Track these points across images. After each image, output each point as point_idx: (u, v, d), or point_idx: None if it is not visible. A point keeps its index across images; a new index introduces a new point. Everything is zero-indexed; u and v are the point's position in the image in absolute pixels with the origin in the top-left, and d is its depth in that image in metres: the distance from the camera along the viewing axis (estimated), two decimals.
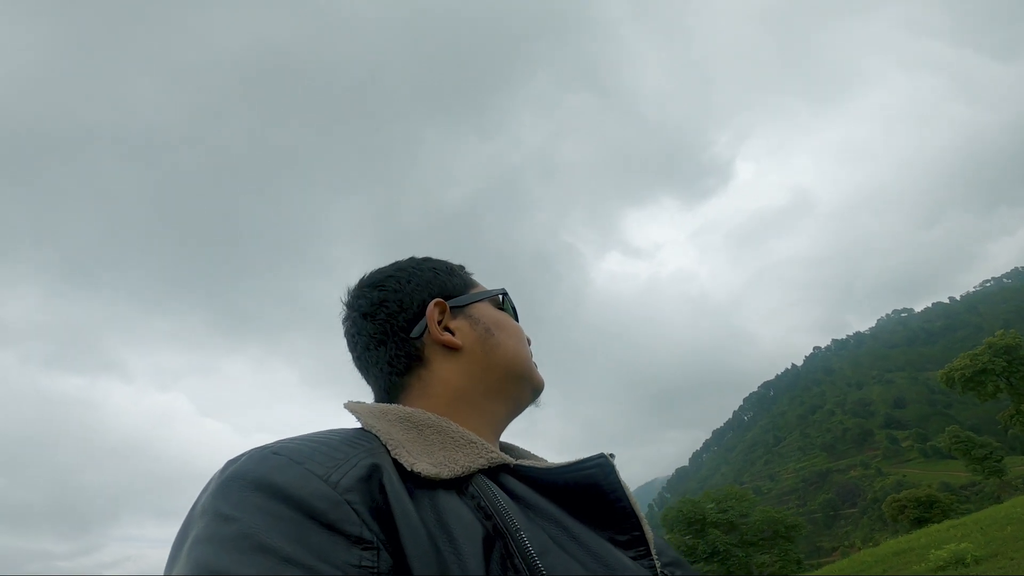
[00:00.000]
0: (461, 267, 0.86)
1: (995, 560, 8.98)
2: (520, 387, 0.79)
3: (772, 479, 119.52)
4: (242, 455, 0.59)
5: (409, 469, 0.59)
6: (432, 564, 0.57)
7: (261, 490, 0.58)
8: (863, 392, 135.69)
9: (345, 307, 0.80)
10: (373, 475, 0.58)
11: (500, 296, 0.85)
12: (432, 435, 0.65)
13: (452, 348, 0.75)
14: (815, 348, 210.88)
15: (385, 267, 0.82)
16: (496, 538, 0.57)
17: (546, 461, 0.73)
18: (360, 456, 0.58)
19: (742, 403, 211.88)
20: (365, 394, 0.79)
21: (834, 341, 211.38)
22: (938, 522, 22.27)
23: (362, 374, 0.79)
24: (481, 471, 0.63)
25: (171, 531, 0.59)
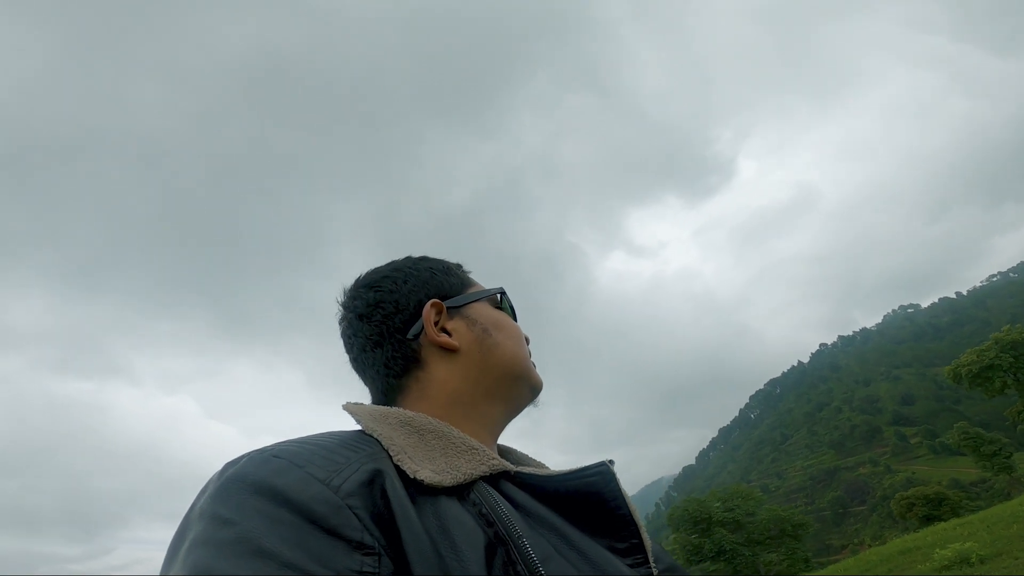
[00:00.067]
0: (459, 266, 0.84)
1: (1000, 560, 8.90)
2: (518, 388, 0.78)
3: (780, 477, 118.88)
4: (241, 457, 0.58)
5: (412, 476, 0.58)
6: (434, 570, 0.57)
7: (261, 493, 0.58)
8: (870, 389, 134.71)
9: (341, 308, 0.79)
10: (375, 480, 0.57)
11: (498, 295, 0.83)
12: (434, 441, 0.64)
13: (449, 349, 0.74)
14: (821, 345, 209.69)
15: (381, 267, 0.80)
16: (498, 545, 0.57)
17: (546, 467, 0.73)
18: (362, 460, 0.58)
19: (748, 401, 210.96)
20: (369, 396, 0.79)
21: (840, 338, 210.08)
22: (947, 520, 22.09)
23: (359, 375, 0.78)
24: (482, 478, 0.62)
25: None
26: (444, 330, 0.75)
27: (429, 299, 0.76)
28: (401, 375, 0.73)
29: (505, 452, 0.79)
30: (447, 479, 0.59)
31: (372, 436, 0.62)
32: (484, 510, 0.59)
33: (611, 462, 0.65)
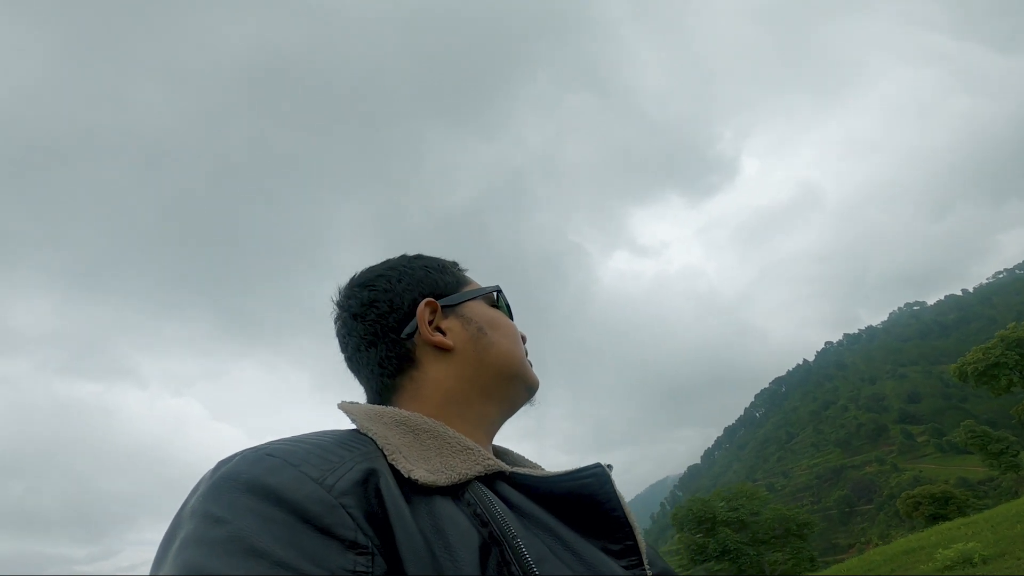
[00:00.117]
0: (455, 264, 0.83)
1: (1002, 560, 8.84)
2: (514, 387, 0.77)
3: (785, 476, 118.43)
4: (234, 456, 0.58)
5: (407, 476, 0.58)
6: (428, 570, 0.57)
7: (254, 492, 0.57)
8: (876, 387, 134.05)
9: (336, 307, 0.79)
10: (369, 479, 0.57)
11: (494, 293, 0.82)
12: (429, 440, 0.64)
13: (443, 349, 0.73)
14: (827, 343, 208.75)
15: (376, 265, 0.80)
16: (492, 545, 0.57)
17: (540, 468, 0.73)
18: (356, 460, 0.57)
19: (753, 400, 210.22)
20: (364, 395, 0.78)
21: (846, 336, 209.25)
22: (954, 519, 21.96)
23: (354, 375, 0.78)
24: (477, 478, 0.62)
25: None
26: (439, 329, 0.75)
27: (424, 298, 0.75)
28: (396, 374, 0.73)
29: (501, 453, 0.78)
30: (442, 479, 0.59)
31: (367, 435, 0.62)
32: (479, 510, 0.58)
33: (609, 466, 0.65)
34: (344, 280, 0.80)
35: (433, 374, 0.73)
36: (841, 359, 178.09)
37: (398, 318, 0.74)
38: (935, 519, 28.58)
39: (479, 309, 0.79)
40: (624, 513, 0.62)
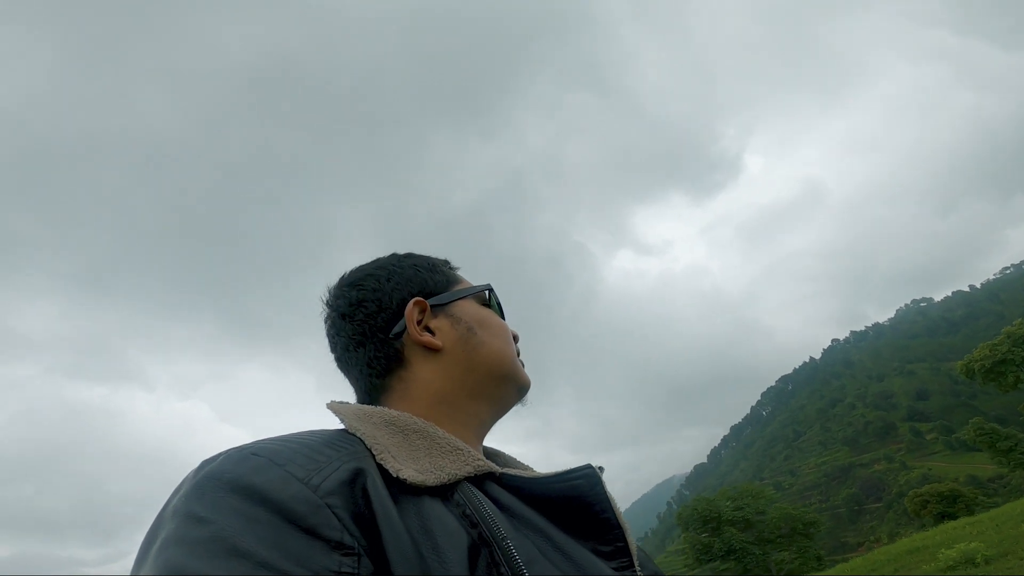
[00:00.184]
0: (446, 262, 0.82)
1: (1005, 560, 8.76)
2: (504, 387, 0.76)
3: (793, 474, 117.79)
4: (219, 455, 0.57)
5: (395, 475, 0.57)
6: (415, 571, 0.56)
7: (237, 492, 0.56)
8: (884, 384, 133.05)
9: (325, 306, 0.78)
10: (356, 479, 0.56)
11: (486, 292, 0.81)
12: (418, 440, 0.63)
13: (432, 349, 0.73)
14: (833, 340, 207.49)
15: (366, 265, 0.79)
16: (481, 546, 0.56)
17: (532, 469, 0.72)
18: (343, 459, 0.56)
19: (760, 398, 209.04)
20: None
21: (852, 333, 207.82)
22: (963, 516, 21.79)
23: (344, 374, 0.77)
24: (467, 479, 0.61)
25: None
26: (428, 329, 0.74)
27: (413, 297, 0.74)
28: (384, 374, 0.72)
29: (492, 454, 0.78)
30: (431, 479, 0.58)
31: (355, 435, 0.61)
32: (468, 511, 0.58)
33: (600, 468, 0.65)
34: (334, 280, 0.79)
35: (422, 374, 0.72)
36: (848, 356, 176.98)
37: (387, 318, 0.73)
38: (943, 517, 28.36)
39: (469, 308, 0.78)
40: (614, 514, 0.62)
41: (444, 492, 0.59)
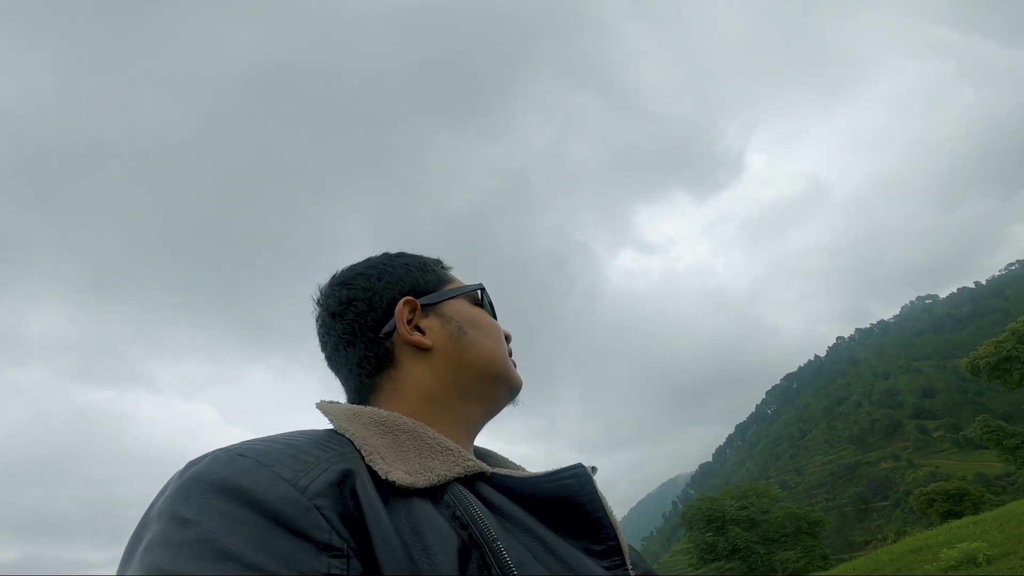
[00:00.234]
0: (438, 262, 0.82)
1: (1007, 560, 8.70)
2: (495, 388, 0.76)
3: (799, 473, 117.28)
4: (205, 456, 0.56)
5: (384, 477, 0.57)
6: (405, 573, 0.56)
7: (223, 493, 0.55)
8: (890, 382, 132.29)
9: (315, 305, 0.78)
10: (345, 480, 0.55)
11: (478, 292, 0.81)
12: (408, 441, 0.62)
13: (422, 348, 0.72)
14: (838, 338, 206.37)
15: (357, 264, 0.79)
16: (472, 548, 0.56)
17: (524, 469, 0.72)
18: (331, 461, 0.56)
19: (765, 396, 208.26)
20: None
21: (858, 330, 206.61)
22: (969, 515, 21.65)
23: (334, 374, 0.77)
24: (457, 479, 0.61)
25: None
26: (418, 328, 0.73)
27: (403, 296, 0.74)
28: (374, 374, 0.72)
29: (484, 454, 0.77)
30: (420, 480, 0.58)
31: (344, 436, 0.61)
32: (458, 512, 0.57)
33: (593, 468, 0.64)
34: (325, 279, 0.79)
35: (412, 374, 0.72)
36: (853, 354, 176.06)
37: (376, 317, 0.73)
38: (949, 516, 28.18)
39: (460, 308, 0.77)
40: (605, 514, 0.62)
41: (434, 493, 0.59)
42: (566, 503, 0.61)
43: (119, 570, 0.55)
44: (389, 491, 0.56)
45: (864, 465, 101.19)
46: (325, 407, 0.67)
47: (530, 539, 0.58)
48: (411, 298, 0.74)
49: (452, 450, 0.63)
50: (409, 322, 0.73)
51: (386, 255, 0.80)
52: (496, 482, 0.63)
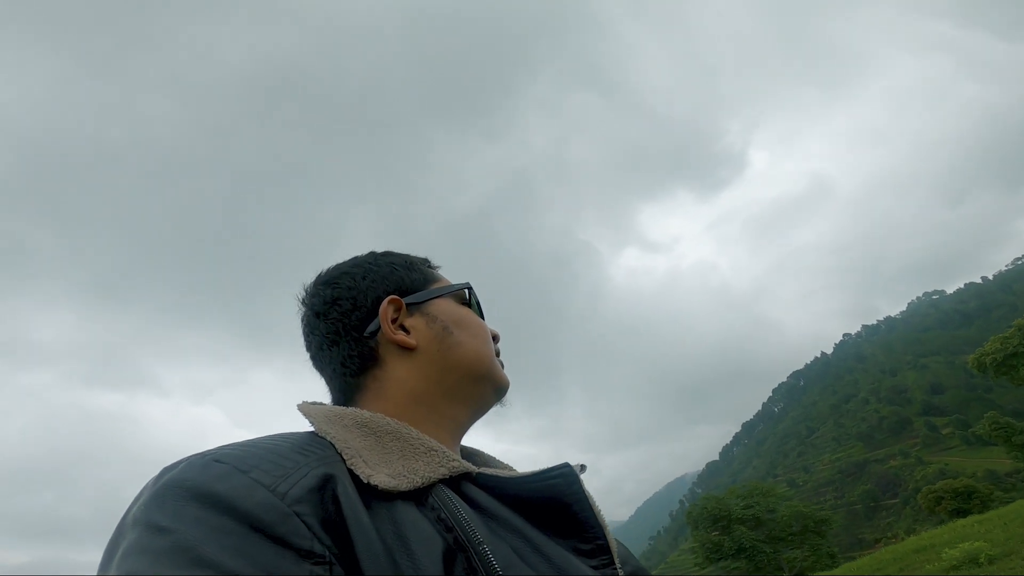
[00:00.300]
0: (425, 261, 0.81)
1: (1008, 560, 8.62)
2: (481, 388, 0.75)
3: (807, 471, 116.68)
4: (180, 462, 0.54)
5: (366, 481, 0.55)
6: None
7: (199, 500, 0.54)
8: (897, 379, 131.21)
9: (300, 304, 0.77)
10: (326, 485, 0.54)
11: (465, 291, 0.80)
12: (391, 443, 0.61)
13: (407, 348, 0.71)
14: (845, 335, 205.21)
15: (343, 263, 0.78)
16: (458, 551, 0.55)
17: (512, 469, 0.72)
18: (312, 465, 0.54)
19: (771, 394, 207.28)
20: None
21: (864, 327, 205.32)
22: (978, 513, 21.48)
23: (319, 373, 0.76)
24: (442, 480, 0.60)
25: None
26: (403, 327, 0.73)
27: (388, 295, 0.73)
28: (359, 373, 0.71)
29: (471, 454, 0.77)
30: (403, 484, 0.57)
31: (325, 438, 0.59)
32: (443, 515, 0.56)
33: (582, 467, 0.64)
34: (310, 278, 0.77)
35: (397, 373, 0.71)
36: (860, 351, 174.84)
37: (361, 316, 0.72)
38: (958, 514, 27.95)
39: (447, 307, 0.76)
40: (592, 513, 0.61)
41: (418, 496, 0.57)
42: (553, 503, 0.61)
43: None
44: (372, 494, 0.55)
45: (873, 463, 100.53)
46: (306, 409, 0.66)
47: (517, 540, 0.58)
48: (396, 297, 0.73)
49: (436, 451, 0.62)
50: (394, 321, 0.72)
51: (372, 254, 0.79)
52: (482, 482, 0.62)
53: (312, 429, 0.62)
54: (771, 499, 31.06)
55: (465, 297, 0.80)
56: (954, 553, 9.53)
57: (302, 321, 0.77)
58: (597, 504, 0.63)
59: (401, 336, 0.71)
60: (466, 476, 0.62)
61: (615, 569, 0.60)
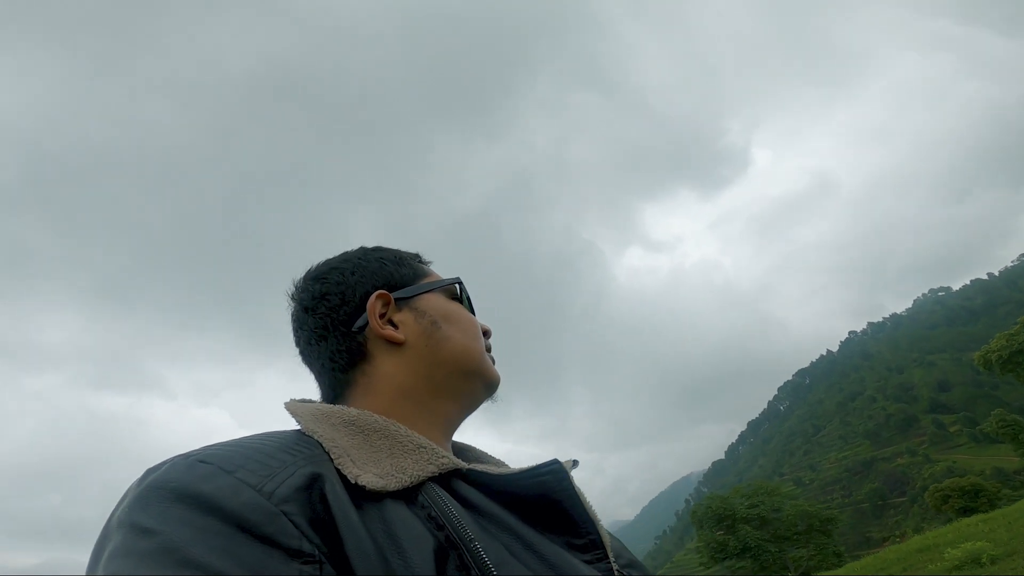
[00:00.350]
0: (415, 256, 0.81)
1: (1011, 560, 8.55)
2: (470, 383, 0.74)
3: (813, 469, 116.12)
4: (163, 463, 0.54)
5: (353, 482, 0.55)
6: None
7: (184, 501, 0.53)
8: (904, 376, 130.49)
9: (290, 300, 0.76)
10: (314, 484, 0.53)
11: (455, 286, 0.79)
12: (379, 441, 0.61)
13: (395, 343, 0.71)
14: (850, 333, 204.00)
15: (332, 258, 0.77)
16: (449, 549, 0.54)
17: (504, 465, 0.71)
18: (299, 464, 0.54)
19: (777, 393, 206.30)
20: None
21: (870, 324, 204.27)
22: (985, 511, 21.33)
23: (309, 369, 0.75)
24: (431, 478, 0.59)
25: None
26: (391, 322, 0.72)
27: (377, 290, 0.73)
28: (347, 369, 0.71)
29: (462, 450, 0.76)
30: (392, 483, 0.56)
31: (312, 437, 0.59)
32: (433, 513, 0.56)
33: (574, 462, 0.64)
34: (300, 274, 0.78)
35: (385, 368, 0.70)
36: (866, 348, 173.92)
37: (349, 311, 0.72)
38: (965, 512, 27.75)
39: (436, 302, 0.76)
40: (584, 509, 0.61)
41: (408, 494, 0.57)
42: (544, 499, 0.60)
43: None
44: (361, 494, 0.55)
45: (880, 461, 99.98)
46: (294, 407, 0.65)
47: (509, 537, 0.57)
48: (384, 292, 0.73)
49: (425, 448, 0.61)
50: (382, 316, 0.72)
51: (362, 249, 0.79)
52: (472, 479, 0.61)
53: (299, 428, 0.61)
54: (776, 498, 30.93)
55: (456, 292, 0.79)
56: (956, 553, 9.47)
57: (292, 316, 0.76)
58: (588, 499, 0.63)
59: (389, 331, 0.71)
60: (456, 473, 0.62)
61: (609, 563, 0.60)
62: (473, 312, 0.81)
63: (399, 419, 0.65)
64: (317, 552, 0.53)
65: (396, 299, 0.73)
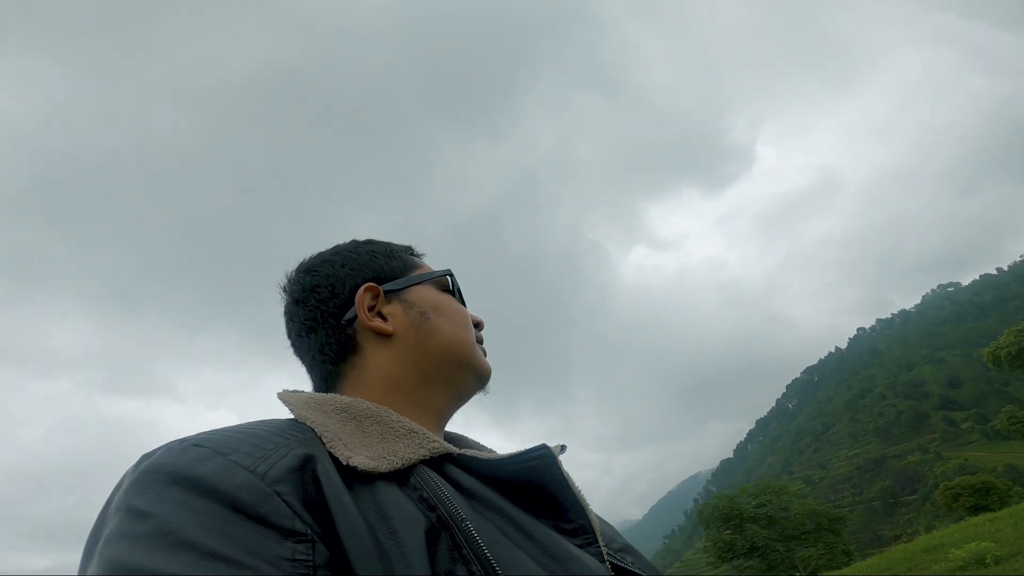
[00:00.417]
0: (407, 249, 0.81)
1: (1015, 560, 8.48)
2: (461, 374, 0.75)
3: (823, 467, 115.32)
4: (158, 448, 0.55)
5: (345, 463, 0.56)
6: (373, 556, 0.55)
7: (179, 483, 0.54)
8: (914, 373, 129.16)
9: (282, 292, 0.77)
10: (306, 465, 0.54)
11: (447, 278, 0.80)
12: (371, 426, 0.62)
13: (384, 334, 0.72)
14: (859, 329, 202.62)
15: (324, 251, 0.79)
16: (441, 529, 0.55)
17: (494, 452, 0.72)
18: (291, 446, 0.55)
19: (785, 390, 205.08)
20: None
21: (879, 321, 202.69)
22: (996, 510, 21.12)
23: (300, 361, 0.76)
24: (423, 462, 0.61)
25: None
26: (380, 315, 0.73)
27: (366, 283, 0.73)
28: (338, 361, 0.72)
29: (454, 439, 0.77)
30: (383, 464, 0.57)
31: (305, 423, 0.60)
32: (425, 494, 0.57)
33: (562, 447, 0.65)
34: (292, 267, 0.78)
35: (375, 360, 0.71)
36: (875, 345, 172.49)
37: (339, 303, 0.73)
38: (976, 510, 27.48)
39: (425, 294, 0.76)
40: (572, 494, 0.62)
41: (400, 476, 0.58)
42: (532, 484, 0.62)
43: (80, 569, 0.54)
44: (353, 476, 0.56)
45: (891, 458, 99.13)
46: (286, 397, 0.66)
47: (500, 518, 0.58)
48: (373, 284, 0.73)
49: (416, 432, 0.62)
50: (371, 308, 0.72)
51: (353, 242, 0.80)
52: (463, 463, 0.63)
53: (292, 416, 0.62)
54: (784, 497, 30.78)
55: (446, 284, 0.80)
56: (960, 553, 9.40)
57: (284, 309, 0.77)
58: (577, 485, 0.63)
59: (377, 323, 0.72)
60: (447, 457, 0.63)
61: (599, 547, 0.61)
62: (464, 304, 0.81)
63: (390, 408, 0.67)
64: (310, 532, 0.54)
65: (386, 291, 0.74)
